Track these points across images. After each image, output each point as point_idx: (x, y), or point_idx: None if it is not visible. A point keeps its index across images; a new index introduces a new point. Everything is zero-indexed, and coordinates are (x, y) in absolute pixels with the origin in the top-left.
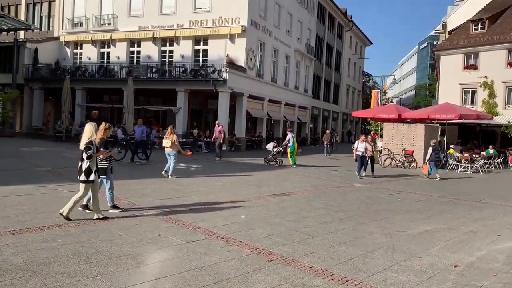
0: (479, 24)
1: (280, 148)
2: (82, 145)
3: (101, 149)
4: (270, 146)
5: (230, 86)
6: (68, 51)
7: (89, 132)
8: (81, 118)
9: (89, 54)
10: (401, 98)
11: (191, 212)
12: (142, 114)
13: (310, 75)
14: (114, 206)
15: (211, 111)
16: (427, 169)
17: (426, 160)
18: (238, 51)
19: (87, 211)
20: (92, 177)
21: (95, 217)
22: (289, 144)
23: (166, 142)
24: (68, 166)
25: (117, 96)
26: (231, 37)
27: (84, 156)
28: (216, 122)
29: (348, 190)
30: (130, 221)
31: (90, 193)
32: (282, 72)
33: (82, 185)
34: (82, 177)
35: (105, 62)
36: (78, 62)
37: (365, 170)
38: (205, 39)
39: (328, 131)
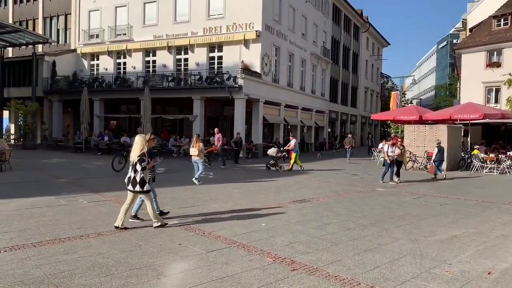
0: (502, 19)
1: (284, 153)
2: (133, 157)
3: (152, 160)
4: (272, 151)
5: (245, 92)
6: (85, 62)
7: (141, 144)
8: (99, 128)
9: (106, 65)
10: (421, 99)
11: (210, 221)
12: (159, 123)
13: (327, 78)
14: (136, 216)
15: (227, 118)
16: (433, 170)
17: (431, 161)
18: (253, 57)
19: (136, 220)
20: (147, 187)
21: (155, 225)
22: (294, 149)
23: (193, 151)
24: (87, 177)
25: (134, 106)
26: (246, 42)
27: (139, 167)
28: (215, 129)
29: (370, 195)
30: (150, 231)
31: (137, 203)
32: (298, 76)
33: (143, 195)
34: (138, 188)
35: (122, 72)
36: (95, 74)
37: (397, 175)
38: (219, 46)
39: (349, 135)
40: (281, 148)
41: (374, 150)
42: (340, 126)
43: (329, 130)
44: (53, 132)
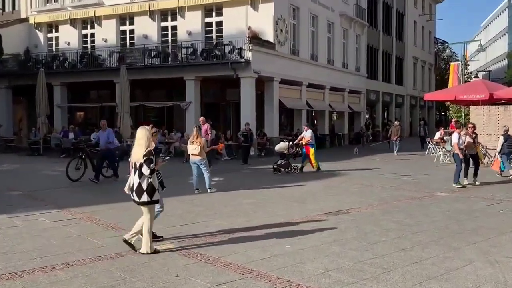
0: None
1: (298, 149)
2: (137, 157)
3: (158, 160)
4: (281, 147)
5: (255, 69)
6: (41, 35)
7: (146, 139)
8: (62, 122)
9: (68, 38)
10: (489, 71)
11: (216, 243)
12: (141, 113)
13: (363, 47)
14: (153, 235)
15: (231, 104)
16: (498, 165)
17: (496, 153)
18: (264, 21)
19: (157, 239)
20: (156, 196)
21: (144, 251)
22: (310, 142)
23: (192, 148)
24: (49, 188)
25: (107, 92)
26: (253, 2)
27: (146, 171)
28: (201, 118)
29: (429, 202)
30: (137, 258)
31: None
32: (324, 45)
33: (145, 208)
34: (145, 197)
35: (89, 47)
36: (54, 50)
37: (466, 176)
38: (218, 8)
39: (396, 122)
40: (292, 143)
41: (429, 142)
42: (382, 111)
43: (367, 116)
44: (1, 130)
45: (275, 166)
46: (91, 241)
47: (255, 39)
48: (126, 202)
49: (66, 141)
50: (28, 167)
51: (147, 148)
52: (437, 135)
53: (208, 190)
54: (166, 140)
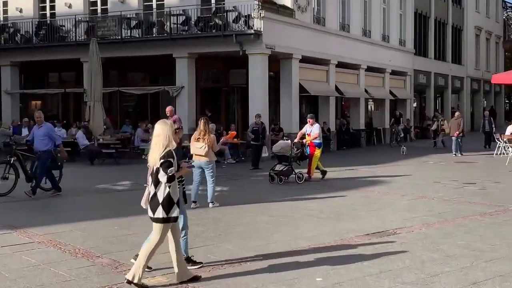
0: None
1: (303, 148)
2: (153, 160)
3: (182, 164)
4: (282, 146)
5: (267, 43)
6: None
7: (164, 137)
8: (13, 114)
9: (20, 3)
10: None
11: (223, 276)
12: (117, 102)
13: (409, 13)
14: (189, 260)
15: (236, 89)
16: None
17: None
18: None
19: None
20: (175, 212)
21: (130, 277)
22: (316, 140)
23: (198, 148)
24: None
25: (71, 74)
26: None
27: (163, 177)
28: (168, 108)
29: (503, 218)
30: None
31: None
32: (358, 12)
33: (158, 226)
34: (160, 213)
35: (48, 15)
36: (1, 19)
37: None
38: None
39: (457, 113)
40: (294, 141)
41: (498, 139)
42: (434, 98)
43: (414, 105)
44: None
45: (272, 173)
46: (56, 272)
47: (268, 3)
48: (100, 220)
49: (18, 138)
50: None
51: (165, 148)
52: (509, 130)
53: (210, 205)
54: (151, 137)
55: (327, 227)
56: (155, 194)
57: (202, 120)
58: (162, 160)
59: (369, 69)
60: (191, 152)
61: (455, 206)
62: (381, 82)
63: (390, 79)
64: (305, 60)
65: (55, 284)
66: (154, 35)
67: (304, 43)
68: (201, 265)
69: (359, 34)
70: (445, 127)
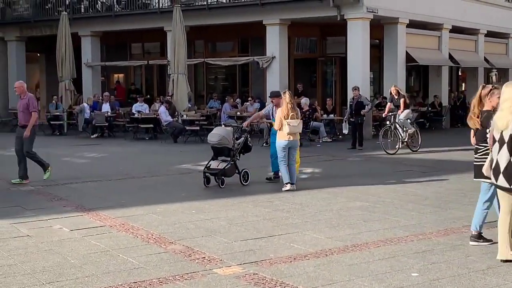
0: None
1: (248, 136)
2: (503, 124)
3: None
4: (220, 135)
5: (369, 6)
6: None
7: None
8: (94, 88)
9: None
10: None
11: (308, 267)
12: (203, 74)
13: None
14: (480, 236)
15: (332, 59)
16: None
17: None
18: None
19: (478, 243)
20: None
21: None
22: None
23: (293, 125)
24: (72, 180)
25: (155, 45)
26: None
27: None
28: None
29: None
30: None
31: (480, 213)
32: None
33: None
34: None
35: None
36: None
37: None
38: None
39: None
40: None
41: None
42: None
43: None
44: (10, 100)
45: (207, 174)
46: (125, 259)
47: None
48: (177, 203)
49: (98, 115)
50: (44, 151)
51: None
52: None
53: (289, 186)
54: (239, 113)
55: (431, 215)
56: (510, 163)
57: (287, 93)
58: None
59: (490, 34)
60: (288, 132)
61: None
62: (504, 49)
63: None
64: (412, 24)
65: (122, 271)
66: (242, 0)
67: (411, 5)
68: (491, 241)
69: None
70: None
